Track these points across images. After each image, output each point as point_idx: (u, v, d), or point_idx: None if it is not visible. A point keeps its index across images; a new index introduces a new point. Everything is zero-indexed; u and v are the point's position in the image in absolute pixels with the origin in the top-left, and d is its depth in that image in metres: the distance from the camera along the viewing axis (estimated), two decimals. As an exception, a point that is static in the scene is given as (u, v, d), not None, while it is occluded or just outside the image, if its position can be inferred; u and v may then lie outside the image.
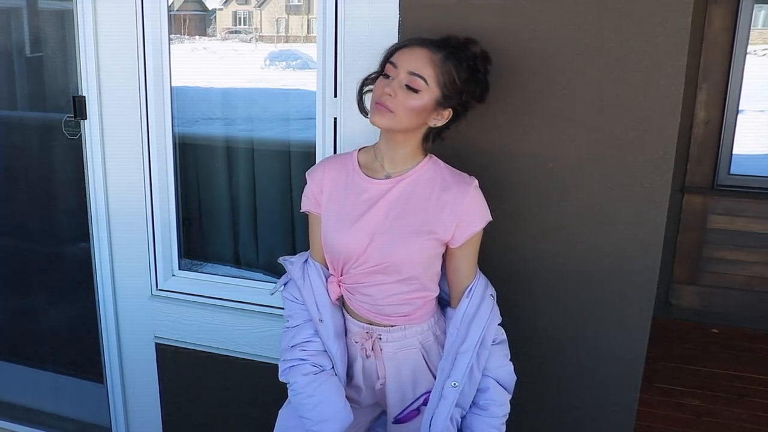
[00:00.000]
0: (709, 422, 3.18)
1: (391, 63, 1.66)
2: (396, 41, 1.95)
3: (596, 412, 2.16)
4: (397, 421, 1.87)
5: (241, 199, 2.82)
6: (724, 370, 3.65)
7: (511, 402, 2.13)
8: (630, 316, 2.04)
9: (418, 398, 1.85)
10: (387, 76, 1.66)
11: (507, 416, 1.85)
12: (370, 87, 1.75)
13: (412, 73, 1.63)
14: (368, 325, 1.81)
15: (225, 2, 2.94)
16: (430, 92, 1.64)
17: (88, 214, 2.58)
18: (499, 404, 1.81)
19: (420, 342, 1.83)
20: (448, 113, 1.71)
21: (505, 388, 1.83)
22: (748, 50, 3.93)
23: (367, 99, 1.79)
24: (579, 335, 2.11)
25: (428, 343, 1.84)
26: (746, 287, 4.13)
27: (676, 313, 4.26)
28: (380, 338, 1.80)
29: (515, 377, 1.86)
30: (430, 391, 1.83)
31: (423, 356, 1.84)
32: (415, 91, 1.63)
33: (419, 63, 1.63)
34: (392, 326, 1.79)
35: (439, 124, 1.72)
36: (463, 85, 1.68)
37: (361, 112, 1.82)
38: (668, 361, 3.74)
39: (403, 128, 1.69)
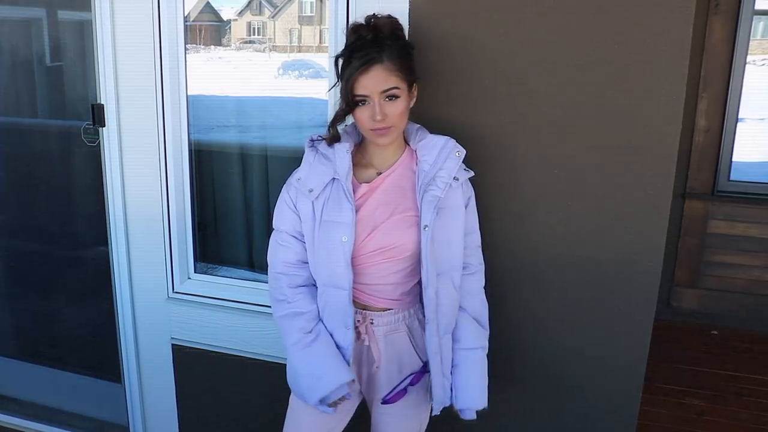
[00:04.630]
0: (709, 421, 3.22)
1: (359, 96, 1.72)
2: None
3: (600, 411, 2.20)
4: (386, 401, 1.94)
5: (255, 204, 2.86)
6: (724, 371, 3.69)
7: (513, 402, 2.18)
8: (632, 318, 2.08)
9: (405, 378, 1.93)
10: (363, 103, 1.74)
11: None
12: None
13: (385, 91, 1.72)
14: (362, 310, 1.89)
15: (239, 13, 2.96)
16: (403, 89, 1.75)
17: (107, 218, 2.62)
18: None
19: (407, 325, 1.92)
20: (415, 88, 1.82)
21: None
22: (747, 60, 3.96)
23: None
24: (583, 336, 2.15)
25: (414, 326, 1.94)
26: (745, 290, 4.16)
27: (678, 315, 4.29)
28: (372, 322, 1.89)
29: None
30: (416, 373, 1.93)
31: (410, 338, 1.94)
32: (396, 97, 1.74)
33: (382, 80, 1.71)
34: (385, 310, 1.88)
35: (414, 101, 1.83)
36: (410, 60, 1.80)
37: (333, 140, 1.85)
38: (669, 362, 3.77)
39: (403, 129, 1.84)
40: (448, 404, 1.92)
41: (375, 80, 1.70)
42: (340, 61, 1.77)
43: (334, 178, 1.81)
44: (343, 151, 1.81)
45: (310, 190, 1.82)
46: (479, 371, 1.94)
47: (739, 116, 4.06)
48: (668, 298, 4.30)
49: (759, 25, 4.20)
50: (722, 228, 4.16)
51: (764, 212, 4.08)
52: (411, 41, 1.86)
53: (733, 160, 4.14)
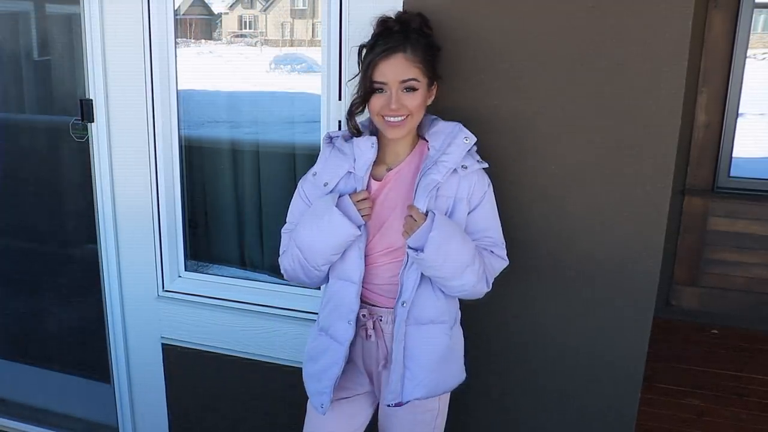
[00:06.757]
0: (709, 422, 3.19)
1: (377, 83, 1.71)
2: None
3: (598, 411, 2.18)
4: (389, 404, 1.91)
5: (247, 201, 2.83)
6: (724, 370, 3.66)
7: (512, 401, 2.13)
8: (631, 317, 2.06)
9: None
10: (381, 90, 1.72)
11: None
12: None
13: (404, 81, 1.71)
14: (371, 306, 1.86)
15: (230, 6, 2.95)
16: (422, 83, 1.74)
17: (96, 215, 2.60)
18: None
19: None
20: (434, 87, 1.82)
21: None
22: (747, 54, 3.94)
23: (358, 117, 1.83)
24: (581, 335, 2.12)
25: None
26: (746, 288, 4.14)
27: (677, 313, 4.27)
28: (380, 319, 1.86)
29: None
30: None
31: None
32: (414, 89, 1.72)
33: (403, 69, 1.71)
34: (392, 308, 1.85)
35: (432, 99, 1.82)
36: (433, 57, 1.80)
37: (353, 132, 1.83)
38: (669, 361, 3.75)
39: (416, 125, 1.81)
40: (402, 401, 1.84)
41: (395, 68, 1.70)
42: (364, 51, 1.77)
43: (349, 172, 1.81)
44: (368, 144, 1.79)
45: (325, 184, 1.83)
46: None
47: (740, 111, 4.05)
48: (667, 297, 4.28)
49: (759, 19, 4.18)
50: (722, 225, 4.14)
51: (765, 209, 4.06)
52: (439, 44, 1.85)
53: (734, 156, 4.12)
